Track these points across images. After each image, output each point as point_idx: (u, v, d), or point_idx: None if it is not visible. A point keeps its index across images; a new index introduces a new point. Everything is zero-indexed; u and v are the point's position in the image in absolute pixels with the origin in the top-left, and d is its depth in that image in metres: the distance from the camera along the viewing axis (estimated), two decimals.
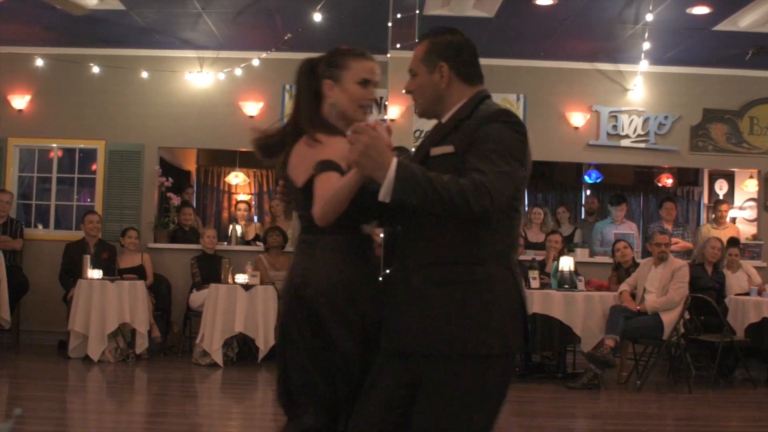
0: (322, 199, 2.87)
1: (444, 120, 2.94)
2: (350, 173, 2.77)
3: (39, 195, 11.35)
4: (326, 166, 2.93)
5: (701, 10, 8.76)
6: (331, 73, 3.16)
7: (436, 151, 2.85)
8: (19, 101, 10.96)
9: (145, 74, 10.80)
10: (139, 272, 9.93)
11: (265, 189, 14.63)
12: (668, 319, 8.47)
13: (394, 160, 2.60)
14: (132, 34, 10.16)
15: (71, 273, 9.73)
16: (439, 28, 3.05)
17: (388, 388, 2.87)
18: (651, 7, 8.63)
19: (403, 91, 3.10)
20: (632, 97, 11.02)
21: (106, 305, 9.11)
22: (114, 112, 10.92)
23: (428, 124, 10.61)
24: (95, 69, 10.79)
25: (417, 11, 8.40)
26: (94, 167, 11.12)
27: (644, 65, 10.35)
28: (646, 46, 9.70)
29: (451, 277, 2.76)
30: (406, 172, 2.58)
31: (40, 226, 11.23)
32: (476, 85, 2.97)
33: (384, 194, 2.59)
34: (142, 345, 9.32)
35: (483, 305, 2.74)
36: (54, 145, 11.16)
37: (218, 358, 9.01)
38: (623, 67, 10.89)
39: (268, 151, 3.27)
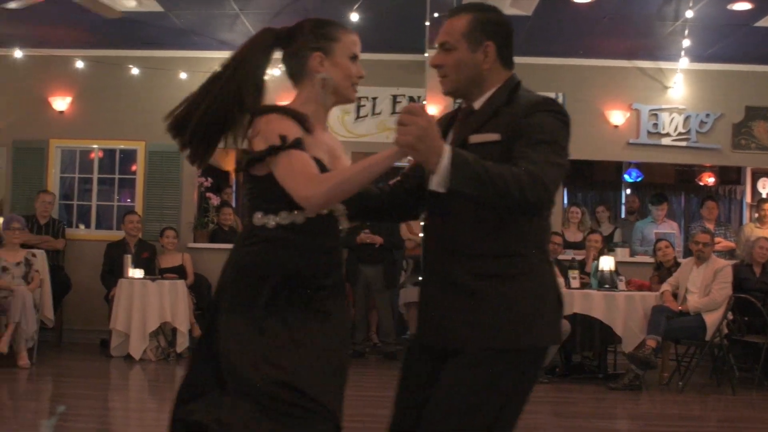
0: (326, 179, 2.58)
1: (477, 105, 2.78)
2: (382, 154, 2.54)
3: (80, 195, 11.47)
4: (296, 143, 2.64)
5: (743, 6, 8.65)
6: (320, 45, 2.83)
7: (477, 138, 2.66)
8: (60, 103, 11.10)
9: (183, 75, 10.87)
10: (179, 272, 9.99)
11: None
12: (711, 319, 8.37)
13: (447, 147, 2.42)
14: (170, 36, 10.24)
15: (113, 272, 9.82)
16: (480, 3, 2.85)
17: (422, 386, 2.78)
18: (691, 4, 8.54)
19: (431, 64, 2.82)
20: (672, 95, 10.91)
21: (147, 304, 9.19)
22: (153, 113, 10.95)
23: None
24: (134, 71, 10.89)
25: None
26: (134, 168, 11.22)
27: (684, 62, 10.25)
28: (687, 43, 9.60)
29: (496, 270, 2.64)
30: (460, 160, 2.41)
31: (82, 226, 11.35)
32: (510, 69, 2.81)
33: (438, 183, 2.41)
34: (182, 344, 9.38)
35: (530, 298, 2.65)
36: (95, 146, 11.29)
37: None
38: (663, 64, 10.79)
39: (197, 137, 2.88)
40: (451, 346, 2.69)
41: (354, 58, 2.84)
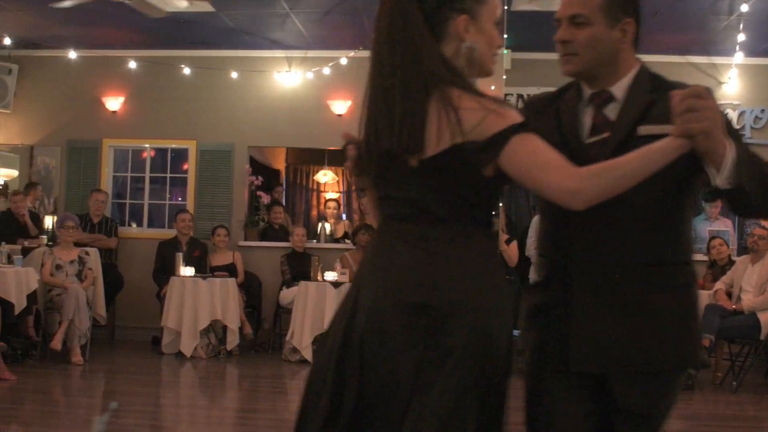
0: (598, 172, 2.12)
1: (618, 92, 2.40)
2: (665, 145, 2.12)
3: (132, 194, 11.60)
4: (523, 126, 2.14)
5: None
6: (466, 5, 2.26)
7: (648, 130, 2.24)
8: (113, 103, 11.23)
9: (234, 74, 10.95)
10: (230, 270, 10.06)
11: (353, 187, 14.68)
12: (766, 318, 8.23)
13: (728, 139, 2.11)
14: (221, 35, 10.31)
15: (164, 270, 9.91)
16: None
17: (575, 419, 2.41)
18: None
19: (556, 39, 2.42)
20: (727, 91, 10.72)
21: (198, 302, 9.26)
22: (205, 112, 11.09)
23: None
24: (186, 70, 10.98)
25: (506, 7, 8.33)
26: (185, 166, 11.32)
27: (739, 57, 10.07)
28: (741, 37, 9.43)
29: (664, 281, 2.34)
30: (742, 152, 2.12)
31: (134, 225, 11.48)
32: (636, 53, 2.48)
33: (725, 179, 2.11)
34: (233, 341, 9.44)
35: (695, 311, 2.42)
36: (147, 145, 11.40)
37: (308, 354, 9.04)
38: (717, 59, 10.60)
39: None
40: (630, 369, 2.36)
41: (497, 23, 2.36)
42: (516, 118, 2.14)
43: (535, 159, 2.11)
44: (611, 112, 2.40)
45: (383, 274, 2.25)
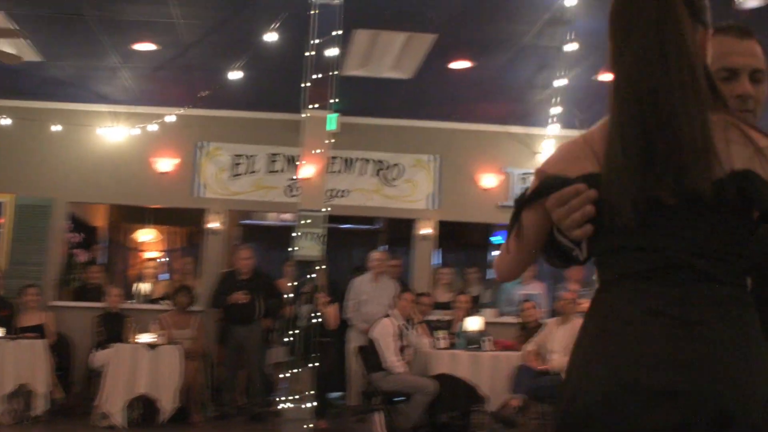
0: None
1: None
2: None
3: None
4: None
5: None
6: (707, 19, 1.86)
7: None
8: None
9: (57, 128, 10.62)
10: (40, 331, 9.62)
11: (177, 246, 14.45)
12: None
13: None
14: (46, 87, 10.04)
15: None
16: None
17: None
18: (562, 73, 8.84)
19: (741, 93, 2.13)
20: (540, 160, 11.17)
21: (3, 365, 8.79)
22: (24, 165, 10.72)
23: (342, 182, 10.55)
24: (6, 121, 10.58)
25: (335, 72, 8.47)
26: (1, 221, 10.84)
27: (555, 129, 10.47)
28: (557, 110, 9.87)
29: None
30: None
31: None
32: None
33: None
34: (40, 406, 8.98)
35: None
36: None
37: (119, 419, 8.69)
38: (533, 130, 11.05)
39: None
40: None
41: None
42: None
43: None
44: None
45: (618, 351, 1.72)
